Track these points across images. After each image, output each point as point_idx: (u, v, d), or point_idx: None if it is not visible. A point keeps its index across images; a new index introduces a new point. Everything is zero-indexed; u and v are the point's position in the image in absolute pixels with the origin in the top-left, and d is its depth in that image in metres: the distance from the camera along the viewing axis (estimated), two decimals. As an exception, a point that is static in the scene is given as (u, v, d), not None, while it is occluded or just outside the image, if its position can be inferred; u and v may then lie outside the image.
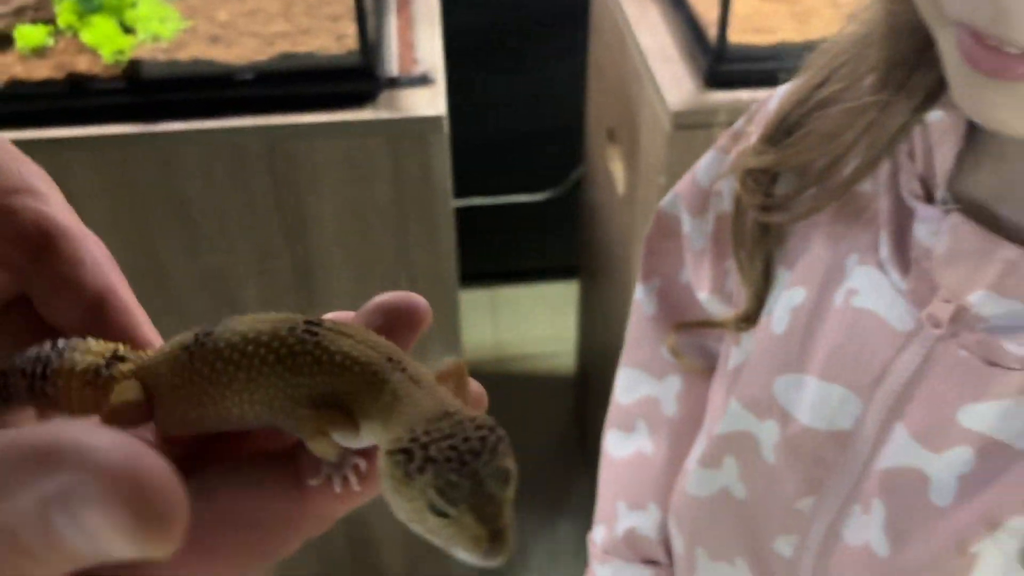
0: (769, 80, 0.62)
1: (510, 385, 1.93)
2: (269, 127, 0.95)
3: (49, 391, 0.30)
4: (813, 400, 0.52)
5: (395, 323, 0.28)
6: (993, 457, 0.45)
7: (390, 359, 0.26)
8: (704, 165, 0.65)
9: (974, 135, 0.47)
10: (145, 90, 0.95)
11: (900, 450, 0.49)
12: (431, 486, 0.22)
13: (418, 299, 0.28)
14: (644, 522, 0.71)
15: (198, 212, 0.99)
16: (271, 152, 0.96)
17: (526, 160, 1.91)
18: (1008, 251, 0.44)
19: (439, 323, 1.14)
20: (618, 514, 0.73)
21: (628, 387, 0.76)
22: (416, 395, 0.25)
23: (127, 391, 0.28)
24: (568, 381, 1.89)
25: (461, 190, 1.16)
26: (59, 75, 0.94)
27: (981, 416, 0.45)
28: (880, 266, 0.50)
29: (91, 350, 0.30)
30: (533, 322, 2.09)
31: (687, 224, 0.67)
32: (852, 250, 0.51)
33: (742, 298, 0.60)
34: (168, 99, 0.95)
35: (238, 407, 0.27)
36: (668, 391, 0.73)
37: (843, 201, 0.52)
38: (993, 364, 0.45)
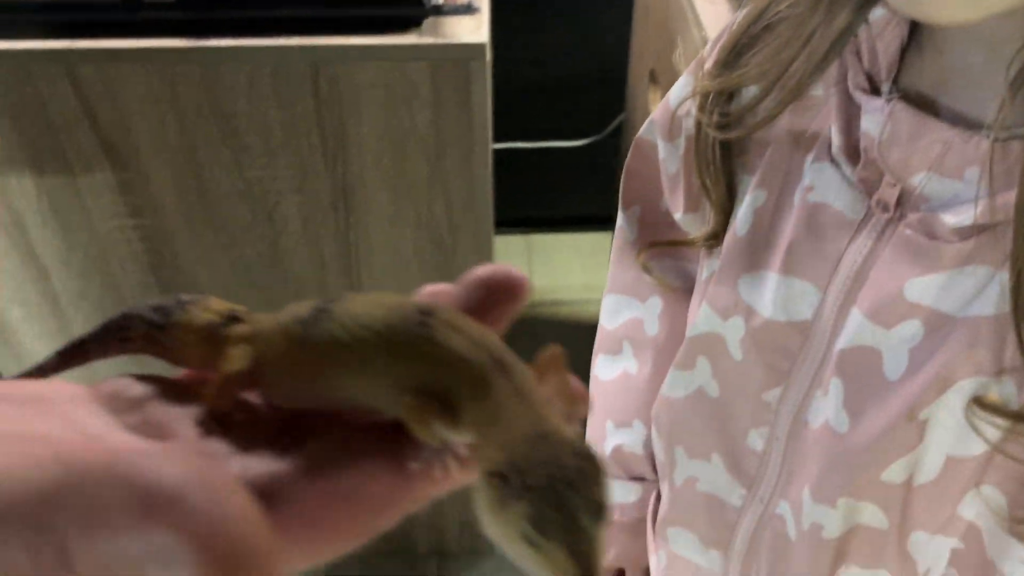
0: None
1: (540, 331, 1.95)
2: (314, 47, 0.96)
3: (165, 341, 0.31)
4: (774, 294, 0.55)
5: (496, 298, 0.29)
6: (937, 327, 0.48)
7: (496, 360, 0.26)
8: (675, 90, 0.67)
9: (916, 30, 0.49)
10: (195, 6, 0.97)
11: (855, 331, 0.51)
12: (525, 517, 0.22)
13: (518, 275, 0.29)
14: (630, 439, 0.74)
15: (242, 128, 1.01)
16: (315, 73, 0.97)
17: (569, 106, 1.91)
18: (945, 132, 0.46)
19: (473, 253, 1.16)
20: (606, 433, 0.76)
21: (613, 312, 0.78)
22: (518, 409, 0.24)
23: (239, 359, 0.29)
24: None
25: (501, 134, 1.16)
26: (114, -12, 0.97)
27: (925, 289, 0.48)
28: (832, 161, 0.52)
29: (210, 308, 0.31)
30: (567, 270, 2.10)
31: (662, 150, 0.69)
32: (807, 150, 0.54)
33: (710, 217, 0.62)
34: (217, 16, 0.97)
35: (347, 388, 0.27)
36: (651, 312, 0.76)
37: (796, 107, 0.54)
38: (934, 238, 0.48)
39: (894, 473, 0.52)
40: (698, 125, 0.60)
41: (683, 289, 0.73)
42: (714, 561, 0.67)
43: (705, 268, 0.64)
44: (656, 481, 0.73)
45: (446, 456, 0.26)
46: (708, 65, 0.59)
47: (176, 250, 1.15)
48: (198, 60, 0.96)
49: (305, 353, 0.28)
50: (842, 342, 0.52)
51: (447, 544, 1.61)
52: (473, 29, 0.99)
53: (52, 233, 1.12)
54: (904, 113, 0.48)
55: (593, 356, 0.79)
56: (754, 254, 0.57)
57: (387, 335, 0.26)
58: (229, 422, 0.28)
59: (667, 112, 0.68)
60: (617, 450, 0.75)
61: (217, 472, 0.19)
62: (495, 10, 1.06)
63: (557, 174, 2.01)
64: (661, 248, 0.74)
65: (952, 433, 0.50)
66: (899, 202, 0.49)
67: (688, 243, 0.68)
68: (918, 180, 0.48)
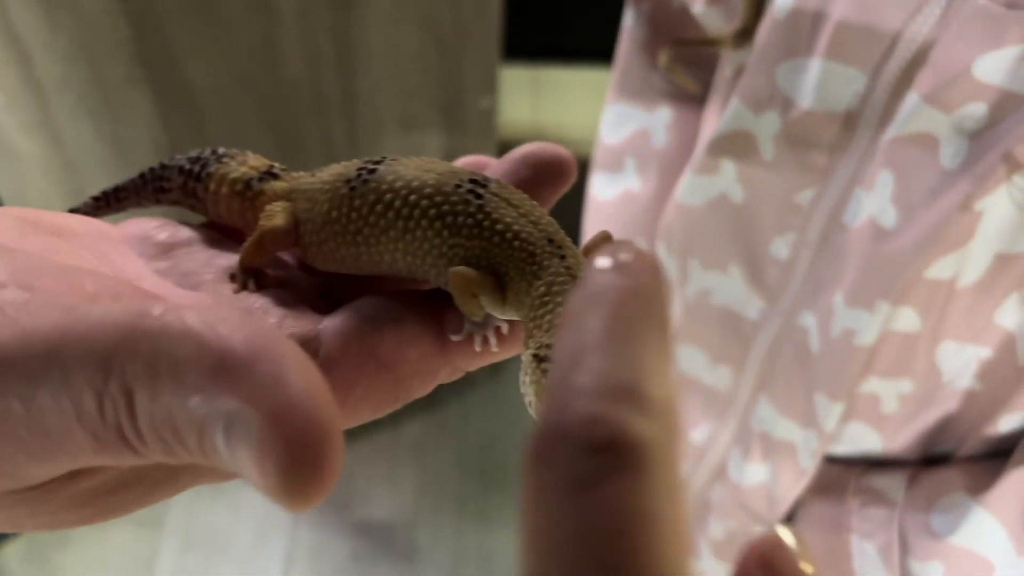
0: None
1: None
2: None
3: (200, 193, 0.30)
4: (817, 82, 0.51)
5: (543, 176, 0.28)
6: (1007, 108, 0.45)
7: (550, 240, 0.26)
8: None
9: None
10: None
11: (909, 117, 0.48)
12: None
13: (565, 154, 0.28)
14: None
15: None
16: None
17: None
18: None
19: (479, 64, 1.11)
20: None
21: (616, 124, 0.74)
22: (568, 293, 0.25)
23: (277, 216, 0.28)
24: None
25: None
26: None
27: (996, 65, 0.44)
28: None
29: (248, 163, 0.30)
30: (574, 106, 2.05)
31: None
32: None
33: (741, 9, 0.57)
34: None
35: (391, 254, 0.27)
36: (658, 122, 0.71)
37: None
38: (1014, 6, 0.43)
39: (939, 270, 0.49)
40: None
41: (699, 98, 0.68)
42: (723, 378, 0.66)
43: (729, 64, 0.59)
44: None
45: (487, 330, 0.26)
46: None
47: (165, 38, 1.10)
48: None
49: (350, 214, 0.27)
50: (893, 130, 0.48)
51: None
52: None
53: (34, 15, 1.07)
54: None
55: (589, 174, 0.76)
56: (795, 39, 0.52)
57: (438, 202, 0.26)
58: (262, 278, 0.27)
59: None
60: None
61: (287, 342, 0.18)
62: None
63: (567, 2, 1.94)
64: (682, 49, 0.68)
65: (1006, 227, 0.47)
66: None
67: (714, 43, 0.62)
68: None
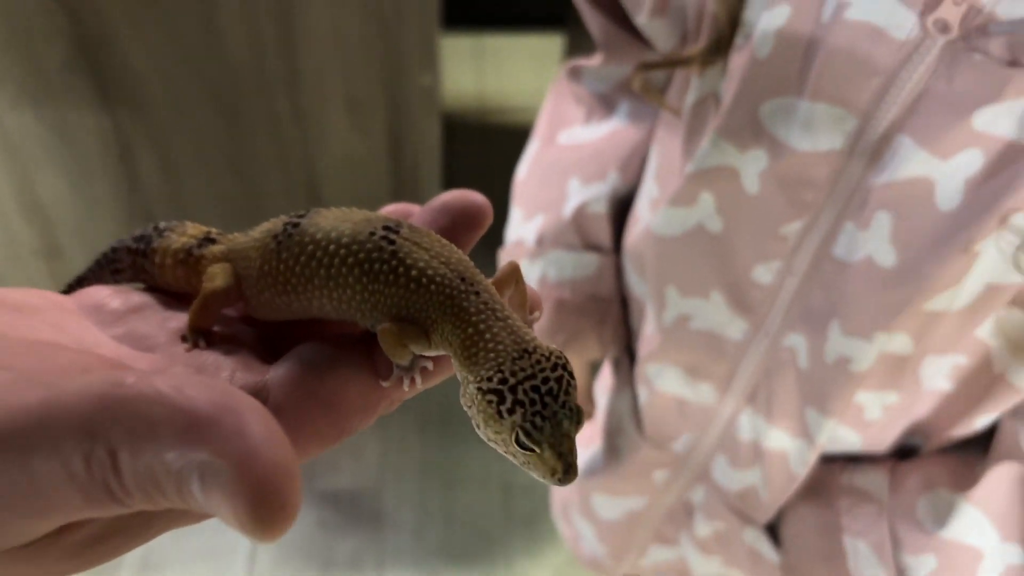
0: None
1: (490, 136, 1.93)
2: None
3: (148, 267, 0.33)
4: (806, 122, 0.51)
5: (460, 223, 0.30)
6: (1006, 158, 0.45)
7: (463, 278, 0.28)
8: None
9: None
10: None
11: (904, 160, 0.48)
12: (519, 427, 0.26)
13: (481, 199, 0.31)
14: (599, 194, 0.70)
15: None
16: None
17: None
18: None
19: (419, 46, 1.12)
20: (568, 194, 0.71)
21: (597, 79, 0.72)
22: (495, 329, 0.27)
23: (219, 276, 0.31)
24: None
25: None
26: None
27: (996, 118, 0.44)
28: None
29: (187, 232, 0.33)
30: (517, 74, 2.05)
31: None
32: None
33: (704, 26, 0.56)
34: None
35: (318, 300, 0.29)
36: (622, 122, 0.71)
37: None
38: (1015, 64, 0.43)
39: (937, 303, 0.50)
40: None
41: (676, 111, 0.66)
42: (704, 394, 0.66)
43: (694, 90, 0.58)
44: (612, 255, 0.71)
45: (414, 372, 0.28)
46: None
47: (104, 23, 1.10)
48: None
49: (279, 266, 0.29)
50: (889, 174, 0.49)
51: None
52: None
53: None
54: None
55: (556, 126, 0.74)
56: (778, 77, 0.51)
57: (354, 250, 0.28)
58: (211, 335, 0.29)
59: None
60: (580, 211, 0.70)
61: (245, 397, 0.21)
62: None
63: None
64: (651, 71, 0.65)
65: (998, 261, 0.48)
66: (963, 21, 0.44)
67: (683, 62, 0.59)
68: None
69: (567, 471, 0.26)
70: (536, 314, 0.31)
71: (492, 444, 0.28)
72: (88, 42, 1.11)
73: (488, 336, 0.27)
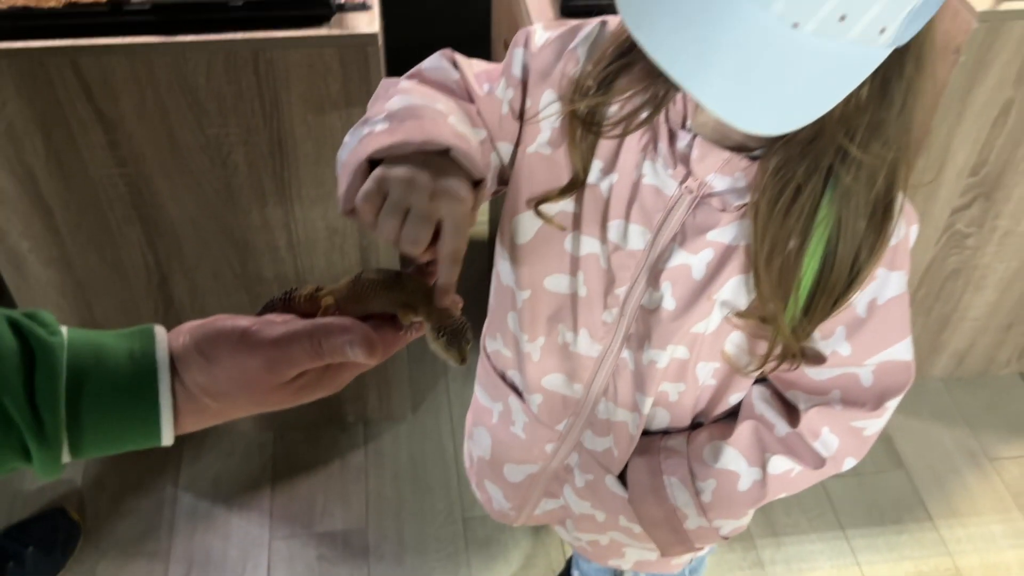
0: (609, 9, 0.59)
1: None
2: (254, 39, 1.20)
3: (292, 307, 0.59)
4: (620, 231, 0.76)
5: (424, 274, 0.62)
6: (726, 253, 0.73)
7: (427, 290, 0.57)
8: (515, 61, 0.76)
9: None
10: (165, 11, 1.21)
11: (676, 257, 0.74)
12: (445, 341, 0.55)
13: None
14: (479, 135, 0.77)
15: (202, 98, 1.25)
16: (256, 57, 1.21)
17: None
18: (723, 153, 0.68)
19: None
20: (447, 129, 0.66)
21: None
22: (441, 308, 0.56)
23: (328, 303, 0.58)
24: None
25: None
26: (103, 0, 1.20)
27: (719, 233, 0.72)
28: (660, 161, 0.72)
29: (308, 287, 0.59)
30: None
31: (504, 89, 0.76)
32: (646, 153, 0.73)
33: (564, 169, 0.77)
34: (182, 19, 1.20)
35: (372, 304, 0.57)
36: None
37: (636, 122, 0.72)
38: (722, 210, 0.71)
39: (698, 327, 0.77)
40: (571, 117, 0.73)
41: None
42: (578, 391, 0.87)
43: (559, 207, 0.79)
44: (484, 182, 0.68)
45: (412, 329, 0.57)
46: (589, 82, 0.71)
47: (153, 191, 1.37)
48: (169, 51, 1.20)
49: (355, 294, 0.57)
50: (669, 262, 0.74)
51: (369, 413, 1.86)
52: (368, 22, 1.23)
53: (56, 181, 1.32)
54: (700, 141, 0.68)
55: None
56: (616, 208, 0.75)
57: (382, 279, 0.57)
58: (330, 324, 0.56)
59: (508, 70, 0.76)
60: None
61: (359, 325, 0.54)
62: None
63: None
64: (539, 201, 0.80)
65: (728, 304, 0.75)
66: (699, 187, 0.70)
67: (560, 195, 0.78)
68: (710, 178, 0.69)
69: (463, 360, 0.56)
70: (460, 306, 0.59)
71: (435, 353, 0.55)
72: (140, 200, 1.37)
73: (438, 310, 0.56)
